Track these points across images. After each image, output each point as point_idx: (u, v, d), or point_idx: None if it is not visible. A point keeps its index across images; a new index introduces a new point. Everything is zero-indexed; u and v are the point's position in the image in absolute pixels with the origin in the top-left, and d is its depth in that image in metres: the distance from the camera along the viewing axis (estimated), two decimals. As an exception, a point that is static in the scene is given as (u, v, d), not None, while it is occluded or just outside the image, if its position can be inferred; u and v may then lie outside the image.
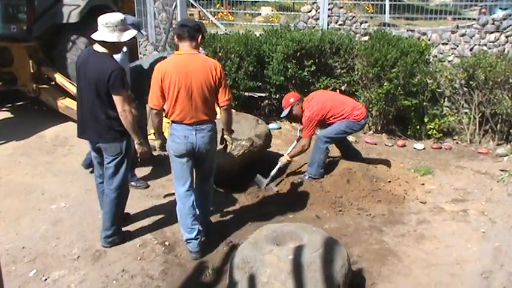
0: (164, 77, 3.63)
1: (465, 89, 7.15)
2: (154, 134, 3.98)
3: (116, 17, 3.70)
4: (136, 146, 3.89)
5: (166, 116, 3.82)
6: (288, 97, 5.53)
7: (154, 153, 4.96)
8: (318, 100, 5.42)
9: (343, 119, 5.36)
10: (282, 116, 5.63)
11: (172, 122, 3.81)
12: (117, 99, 3.64)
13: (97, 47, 3.74)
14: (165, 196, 5.02)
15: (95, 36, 3.70)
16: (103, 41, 3.69)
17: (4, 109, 7.81)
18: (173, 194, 4.23)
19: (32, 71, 7.28)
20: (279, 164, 5.39)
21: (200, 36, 3.78)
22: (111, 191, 3.93)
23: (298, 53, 7.09)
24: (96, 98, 3.71)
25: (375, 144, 7.04)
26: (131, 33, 3.78)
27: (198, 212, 3.94)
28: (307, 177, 5.39)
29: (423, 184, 5.55)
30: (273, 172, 5.35)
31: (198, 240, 3.90)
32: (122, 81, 3.63)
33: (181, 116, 3.72)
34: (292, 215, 4.77)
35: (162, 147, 3.92)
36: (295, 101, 5.42)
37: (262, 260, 3.17)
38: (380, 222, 4.61)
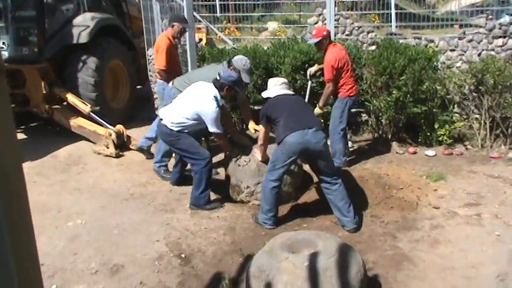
0: None
1: (474, 94, 7.15)
2: None
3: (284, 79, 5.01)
4: None
5: None
6: (323, 29, 5.98)
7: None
8: (339, 51, 5.84)
9: (339, 84, 5.87)
10: (309, 41, 6.29)
11: None
12: None
13: None
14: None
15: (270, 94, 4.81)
16: None
17: (18, 130, 7.92)
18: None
19: (44, 92, 7.40)
20: None
21: None
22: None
23: (306, 64, 7.13)
24: None
25: (386, 152, 7.04)
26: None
27: None
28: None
29: (436, 190, 5.54)
30: None
31: None
32: None
33: None
34: (306, 223, 4.80)
35: None
36: (327, 35, 5.85)
37: (278, 267, 3.20)
38: (394, 229, 4.62)
